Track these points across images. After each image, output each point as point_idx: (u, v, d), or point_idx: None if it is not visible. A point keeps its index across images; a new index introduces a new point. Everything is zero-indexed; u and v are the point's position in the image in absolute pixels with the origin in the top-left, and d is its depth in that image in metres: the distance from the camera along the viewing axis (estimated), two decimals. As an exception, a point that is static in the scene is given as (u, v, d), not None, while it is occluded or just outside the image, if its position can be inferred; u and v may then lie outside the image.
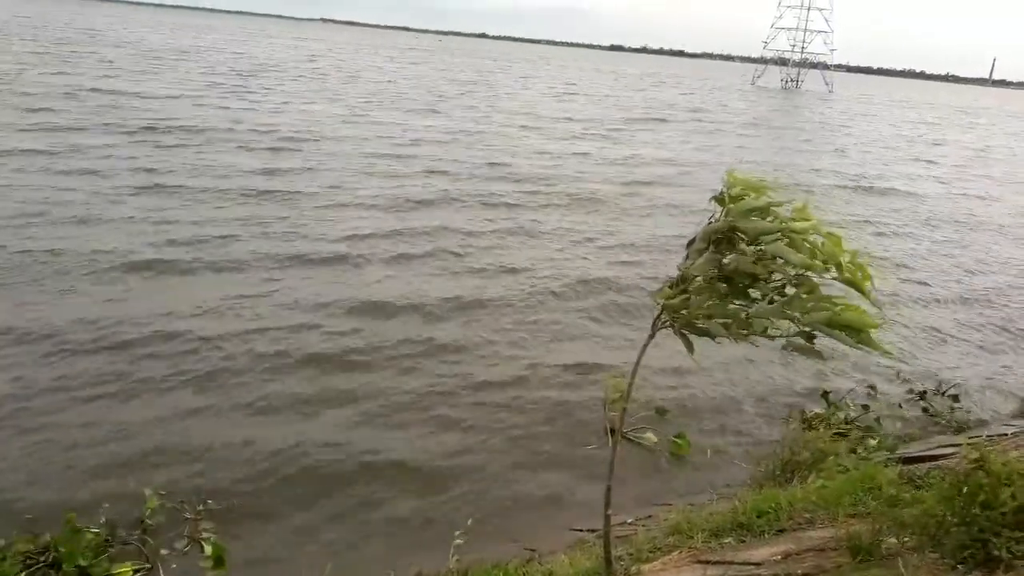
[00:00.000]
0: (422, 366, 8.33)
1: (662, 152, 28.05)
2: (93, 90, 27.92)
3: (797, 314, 2.82)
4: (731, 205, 2.98)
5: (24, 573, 4.23)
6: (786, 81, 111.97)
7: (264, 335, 8.60)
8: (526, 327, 9.81)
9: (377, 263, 11.73)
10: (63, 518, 4.48)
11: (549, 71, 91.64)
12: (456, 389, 7.85)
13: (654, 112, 46.11)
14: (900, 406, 8.44)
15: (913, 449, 6.62)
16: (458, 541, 4.92)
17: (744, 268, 2.90)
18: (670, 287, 3.11)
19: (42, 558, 4.34)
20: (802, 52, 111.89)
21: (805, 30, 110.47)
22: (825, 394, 8.31)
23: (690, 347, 3.07)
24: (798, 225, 2.85)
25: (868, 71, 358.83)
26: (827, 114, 61.44)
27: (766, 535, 4.31)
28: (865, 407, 7.93)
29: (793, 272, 2.85)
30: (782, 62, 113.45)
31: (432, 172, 19.50)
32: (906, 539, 3.75)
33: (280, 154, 20.01)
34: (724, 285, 2.97)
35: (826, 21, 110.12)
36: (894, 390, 8.96)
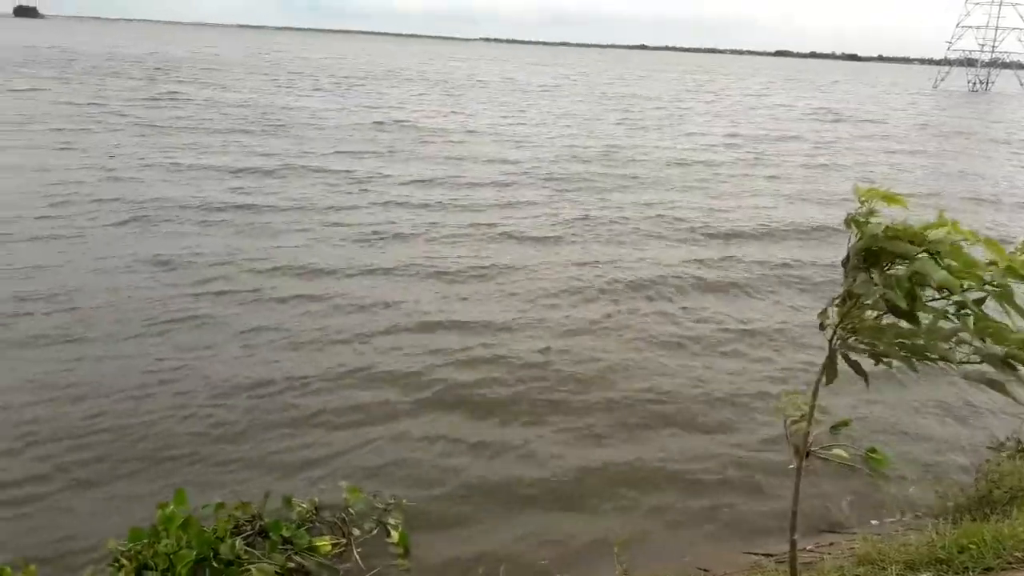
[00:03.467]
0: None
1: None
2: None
3: (978, 338, 2.55)
4: (865, 222, 2.81)
5: (235, 535, 4.65)
6: (974, 83, 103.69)
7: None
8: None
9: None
10: (264, 494, 5.02)
11: (746, 85, 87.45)
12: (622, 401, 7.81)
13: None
14: None
15: None
16: (620, 556, 4.90)
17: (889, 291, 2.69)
18: (838, 305, 2.98)
19: (250, 526, 4.81)
20: (992, 51, 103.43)
21: (996, 28, 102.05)
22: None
23: (863, 374, 2.91)
24: (933, 235, 2.63)
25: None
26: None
27: (971, 573, 4.01)
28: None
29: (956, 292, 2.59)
30: (969, 63, 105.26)
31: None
32: None
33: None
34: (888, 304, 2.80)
35: (1021, 17, 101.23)
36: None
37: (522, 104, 42.06)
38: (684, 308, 10.58)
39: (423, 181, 18.31)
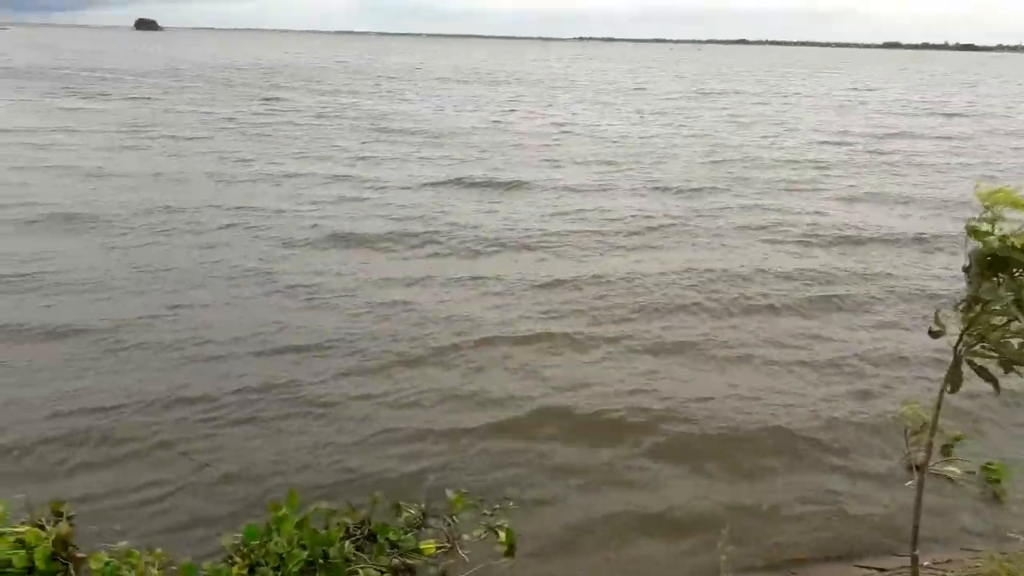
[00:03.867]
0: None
1: None
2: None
3: None
4: (986, 232, 2.58)
5: (344, 539, 4.68)
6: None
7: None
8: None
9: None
10: (372, 499, 5.05)
11: (857, 79, 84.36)
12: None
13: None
14: None
15: None
16: (723, 557, 4.73)
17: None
18: (963, 311, 2.77)
19: (359, 530, 4.84)
20: None
21: None
22: None
23: (992, 381, 2.72)
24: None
25: None
26: None
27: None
28: None
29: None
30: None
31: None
32: None
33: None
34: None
35: None
36: None
37: (618, 102, 41.68)
38: (791, 324, 10.15)
39: (522, 183, 18.30)
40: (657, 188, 18.02)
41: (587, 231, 14.10)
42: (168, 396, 6.89)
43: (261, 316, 9.23)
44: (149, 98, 36.17)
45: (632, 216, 15.21)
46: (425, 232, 13.49)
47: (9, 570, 4.25)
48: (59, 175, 17.67)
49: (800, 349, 9.19)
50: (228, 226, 13.62)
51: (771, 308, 10.43)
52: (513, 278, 11.19)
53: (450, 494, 5.28)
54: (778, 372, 8.49)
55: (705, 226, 14.84)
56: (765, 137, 29.60)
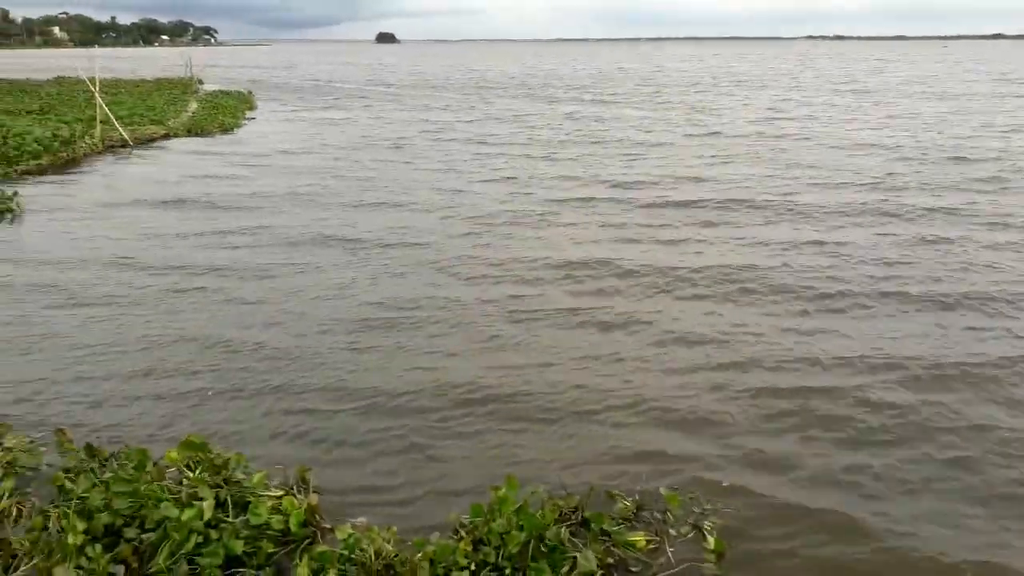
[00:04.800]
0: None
1: None
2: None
3: None
4: None
5: (558, 523, 4.91)
6: None
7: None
8: None
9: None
10: (589, 488, 5.26)
11: None
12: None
13: None
14: None
15: None
16: None
17: None
18: None
19: (573, 516, 5.06)
20: None
21: None
22: None
23: None
24: None
25: None
26: None
27: None
28: None
29: None
30: None
31: None
32: None
33: None
34: None
35: None
36: None
37: (860, 104, 38.64)
38: None
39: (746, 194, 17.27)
40: (911, 206, 15.44)
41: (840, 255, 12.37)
42: (404, 390, 7.46)
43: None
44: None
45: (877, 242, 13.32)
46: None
47: (268, 531, 4.92)
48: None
49: None
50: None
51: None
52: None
53: (664, 491, 5.35)
54: None
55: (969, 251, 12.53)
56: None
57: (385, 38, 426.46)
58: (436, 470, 5.98)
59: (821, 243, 12.56)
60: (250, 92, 46.05)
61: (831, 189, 17.07)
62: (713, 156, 21.90)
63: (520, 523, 4.75)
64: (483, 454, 6.21)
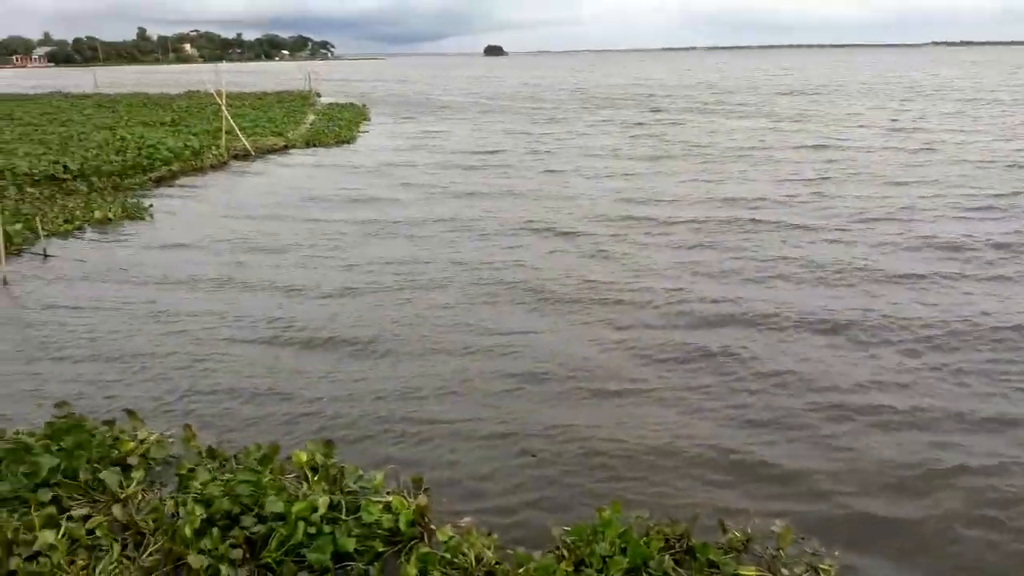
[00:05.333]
0: None
1: None
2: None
3: None
4: None
5: (663, 551, 4.82)
6: None
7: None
8: None
9: None
10: (693, 516, 5.15)
11: None
12: None
13: None
14: None
15: None
16: None
17: None
18: None
19: (678, 544, 4.95)
20: None
21: None
22: None
23: None
24: None
25: None
26: None
27: None
28: None
29: None
30: None
31: None
32: None
33: None
34: None
35: None
36: None
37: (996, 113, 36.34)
38: None
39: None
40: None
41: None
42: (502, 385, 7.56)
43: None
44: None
45: None
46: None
47: (379, 530, 5.06)
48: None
49: None
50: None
51: None
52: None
53: (779, 526, 5.13)
54: None
55: None
56: None
57: (493, 51, 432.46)
58: (542, 481, 6.02)
59: None
60: (364, 105, 47.54)
61: None
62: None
63: (624, 547, 4.70)
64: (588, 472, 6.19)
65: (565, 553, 4.85)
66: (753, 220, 15.20)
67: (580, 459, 6.35)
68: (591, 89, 67.82)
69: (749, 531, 5.15)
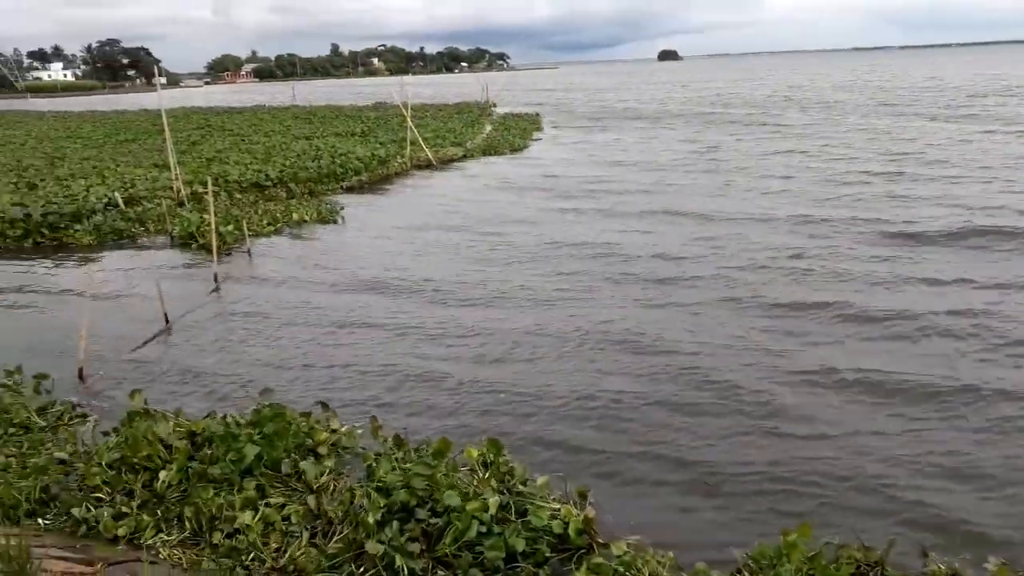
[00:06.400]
0: None
1: None
2: None
3: None
4: None
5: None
6: None
7: None
8: None
9: None
10: (889, 542, 4.68)
11: None
12: None
13: None
14: None
15: None
16: None
17: None
18: None
19: (871, 571, 4.57)
20: None
21: None
22: None
23: None
24: None
25: None
26: None
27: None
28: None
29: None
30: None
31: None
32: None
33: None
34: None
35: None
36: None
37: None
38: None
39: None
40: None
41: None
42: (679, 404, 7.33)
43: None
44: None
45: None
46: None
47: (547, 536, 5.03)
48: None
49: None
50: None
51: None
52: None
53: (992, 564, 4.58)
54: None
55: None
56: None
57: (667, 55, 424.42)
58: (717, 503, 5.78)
59: None
60: (537, 114, 48.12)
61: None
62: None
63: (812, 571, 4.38)
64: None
65: (747, 574, 4.60)
66: None
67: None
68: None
69: (956, 566, 4.64)
